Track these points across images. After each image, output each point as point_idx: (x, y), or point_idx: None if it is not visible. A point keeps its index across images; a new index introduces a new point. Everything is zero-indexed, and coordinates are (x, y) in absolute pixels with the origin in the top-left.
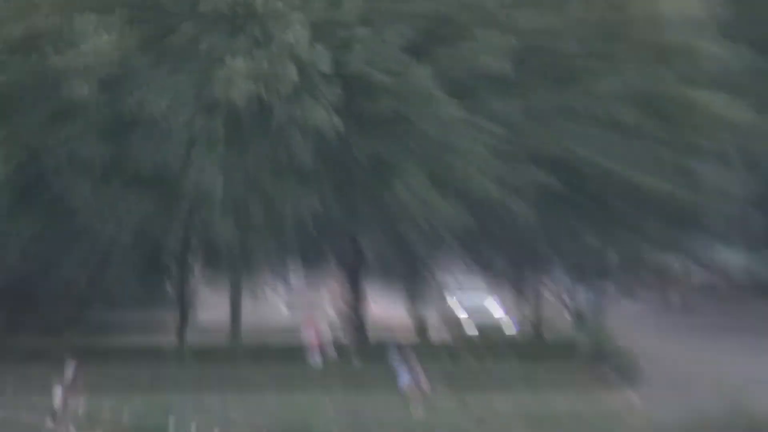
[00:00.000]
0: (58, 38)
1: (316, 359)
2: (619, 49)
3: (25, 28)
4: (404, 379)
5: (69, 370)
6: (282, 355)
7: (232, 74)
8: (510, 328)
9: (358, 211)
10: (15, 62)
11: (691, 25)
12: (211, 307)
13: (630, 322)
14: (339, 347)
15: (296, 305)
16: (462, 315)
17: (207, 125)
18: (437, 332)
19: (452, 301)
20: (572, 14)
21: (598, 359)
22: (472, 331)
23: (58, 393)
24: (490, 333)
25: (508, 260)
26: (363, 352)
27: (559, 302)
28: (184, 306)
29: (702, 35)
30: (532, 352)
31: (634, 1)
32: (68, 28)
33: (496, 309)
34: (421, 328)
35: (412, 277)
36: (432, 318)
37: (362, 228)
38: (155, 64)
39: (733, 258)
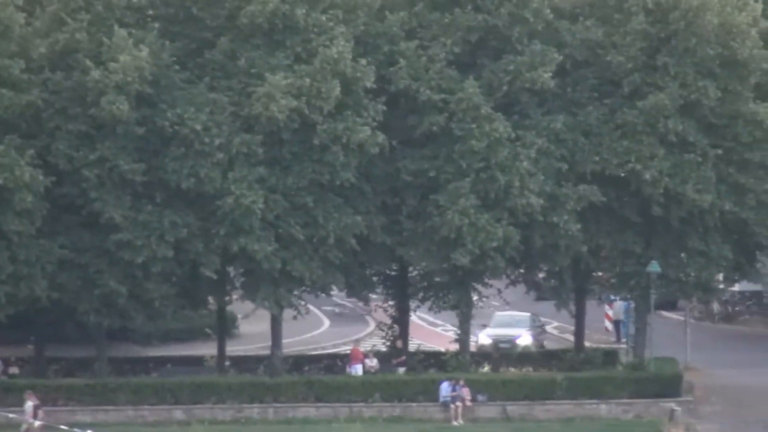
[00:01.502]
0: (95, 53)
1: (357, 370)
2: (670, 62)
3: (64, 44)
4: (446, 390)
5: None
6: (323, 367)
7: (272, 90)
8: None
9: (404, 230)
10: (54, 78)
11: (740, 36)
12: (252, 320)
13: (673, 332)
14: (381, 359)
15: (339, 320)
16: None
17: (246, 142)
18: (480, 347)
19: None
20: (621, 27)
21: (639, 370)
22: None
23: None
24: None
25: (553, 274)
26: (404, 364)
27: (603, 315)
28: (225, 318)
29: (749, 46)
30: (574, 363)
31: (681, 12)
32: (105, 43)
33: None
34: (465, 344)
35: (458, 294)
36: (476, 335)
37: (407, 247)
38: (193, 80)
39: None
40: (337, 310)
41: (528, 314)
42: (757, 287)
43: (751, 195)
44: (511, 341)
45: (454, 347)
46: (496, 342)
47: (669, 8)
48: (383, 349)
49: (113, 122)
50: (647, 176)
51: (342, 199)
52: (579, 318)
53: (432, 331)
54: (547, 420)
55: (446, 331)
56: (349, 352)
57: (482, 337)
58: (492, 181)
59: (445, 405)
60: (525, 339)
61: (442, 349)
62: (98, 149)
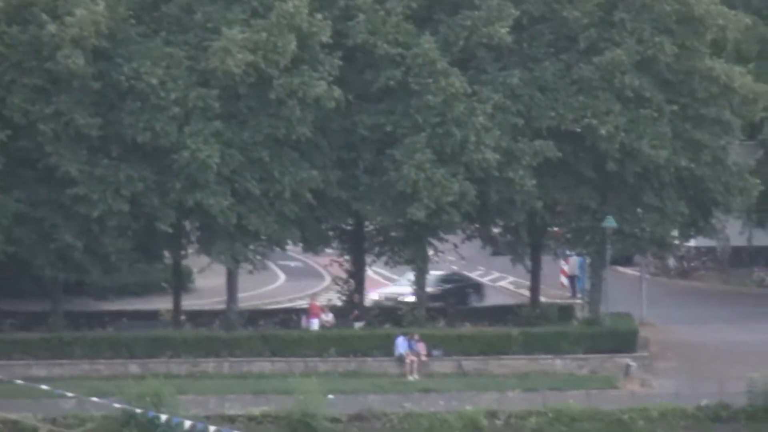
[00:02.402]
0: (51, 7)
1: (313, 324)
2: (626, 17)
3: None
4: (402, 345)
5: None
6: (278, 321)
7: (228, 44)
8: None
9: (360, 185)
10: (10, 31)
11: None
12: (208, 274)
13: (629, 287)
14: (337, 314)
15: (295, 275)
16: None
17: (202, 97)
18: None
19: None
20: None
21: (594, 325)
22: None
23: None
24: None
25: (508, 230)
26: (360, 319)
27: (559, 270)
28: (180, 273)
29: (705, 2)
30: (530, 318)
31: None
32: None
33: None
34: (421, 298)
35: (414, 249)
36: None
37: (363, 202)
38: (149, 34)
39: (731, 224)
40: (292, 264)
41: (440, 273)
42: (712, 243)
43: (707, 151)
44: (395, 300)
45: (411, 302)
46: (383, 299)
47: None
48: (339, 303)
49: (69, 76)
50: (603, 131)
51: (298, 154)
52: (534, 273)
53: (388, 285)
54: (503, 375)
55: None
56: (305, 306)
57: (374, 294)
58: (448, 136)
59: (401, 359)
60: (410, 299)
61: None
62: (54, 103)
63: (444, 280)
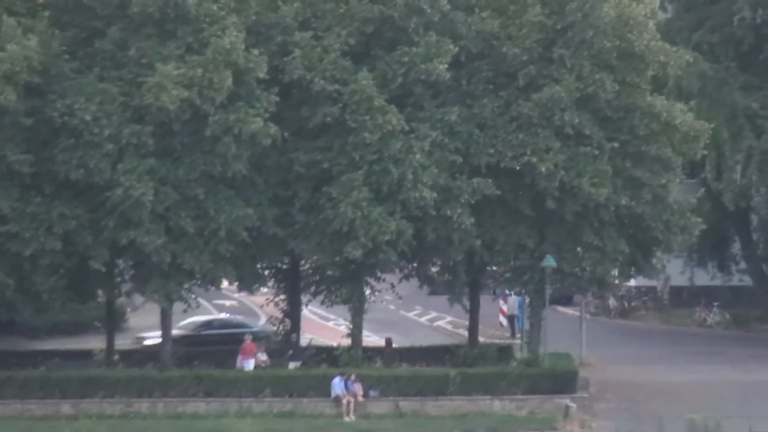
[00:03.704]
0: None
1: (248, 364)
2: (566, 54)
3: None
4: (338, 385)
5: None
6: (214, 361)
7: (163, 80)
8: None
9: (296, 223)
10: None
11: (637, 28)
12: (141, 313)
13: (568, 327)
14: (272, 354)
15: (230, 312)
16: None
17: (136, 133)
18: (374, 341)
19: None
20: (516, 18)
21: (533, 365)
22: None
23: None
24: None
25: (446, 268)
26: (296, 359)
27: (497, 310)
28: (114, 312)
29: (646, 38)
30: (468, 358)
31: (578, 4)
32: None
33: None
34: (357, 337)
35: (350, 289)
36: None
37: (300, 240)
38: (82, 70)
39: (672, 263)
40: (227, 303)
41: (205, 318)
42: (653, 283)
43: (647, 189)
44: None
45: (346, 342)
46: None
47: (565, 0)
48: (274, 343)
49: (0, 112)
50: (542, 169)
51: (233, 191)
52: (473, 313)
53: (324, 325)
54: (440, 416)
55: (338, 325)
56: (240, 346)
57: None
58: (385, 174)
59: (337, 400)
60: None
61: (334, 344)
62: None
63: (204, 324)
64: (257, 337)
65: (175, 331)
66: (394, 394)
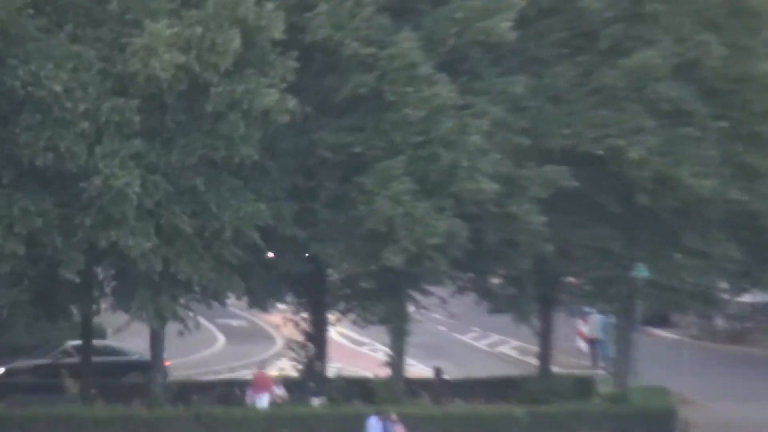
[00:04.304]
0: None
1: (261, 401)
2: (661, 9)
3: None
4: (375, 427)
5: None
6: (216, 396)
7: (152, 42)
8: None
9: (320, 221)
10: None
11: None
12: (126, 335)
13: (665, 354)
14: (291, 388)
15: (238, 337)
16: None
17: (119, 108)
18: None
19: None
20: None
21: (620, 402)
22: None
23: None
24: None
25: (511, 280)
26: (320, 393)
27: (575, 332)
28: (91, 333)
29: None
30: (538, 393)
31: None
32: None
33: None
34: (398, 367)
35: (389, 305)
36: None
37: (325, 243)
38: (51, 29)
39: None
40: (234, 323)
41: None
42: None
43: (765, 180)
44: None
45: (385, 372)
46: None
47: None
48: (294, 374)
49: None
50: (632, 155)
51: (241, 182)
52: (544, 336)
53: (356, 351)
54: None
55: (374, 351)
56: (251, 378)
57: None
58: (433, 160)
59: None
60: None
61: (370, 375)
62: None
63: (63, 352)
64: (134, 369)
65: (25, 362)
66: None
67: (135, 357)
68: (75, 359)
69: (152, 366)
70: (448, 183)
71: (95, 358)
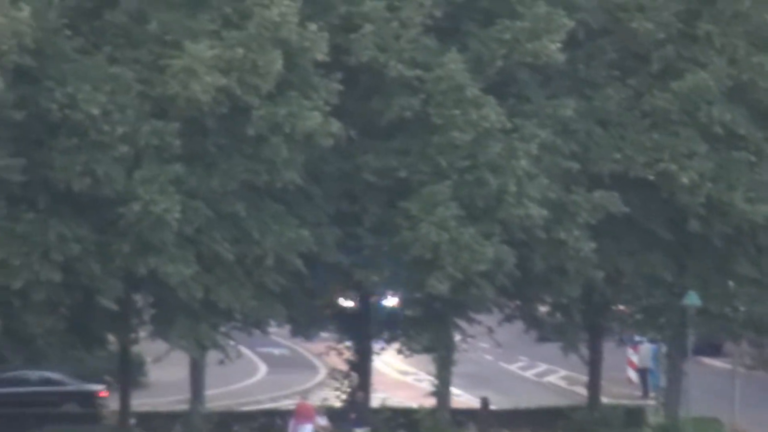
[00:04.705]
0: None
1: (304, 431)
2: (714, 31)
3: None
4: None
5: None
6: (257, 427)
7: (192, 63)
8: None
9: (364, 247)
10: None
11: None
12: (166, 365)
13: (717, 384)
14: (334, 418)
15: (280, 366)
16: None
17: (158, 132)
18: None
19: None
20: None
21: None
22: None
23: None
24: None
25: (559, 307)
26: (363, 424)
27: (625, 361)
28: (129, 362)
29: None
30: (587, 424)
31: None
32: None
33: None
34: (443, 397)
35: (435, 333)
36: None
37: (369, 270)
38: (88, 50)
39: None
40: (276, 352)
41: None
42: None
43: None
44: None
45: (430, 403)
46: None
47: None
48: (337, 404)
49: None
50: (684, 180)
51: (283, 207)
52: (594, 365)
53: (401, 380)
54: None
55: (419, 381)
56: (293, 407)
57: None
58: (480, 185)
59: None
60: None
61: (414, 405)
62: None
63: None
64: (71, 400)
65: None
66: None
67: (71, 387)
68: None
69: (192, 395)
70: (496, 208)
71: (29, 389)
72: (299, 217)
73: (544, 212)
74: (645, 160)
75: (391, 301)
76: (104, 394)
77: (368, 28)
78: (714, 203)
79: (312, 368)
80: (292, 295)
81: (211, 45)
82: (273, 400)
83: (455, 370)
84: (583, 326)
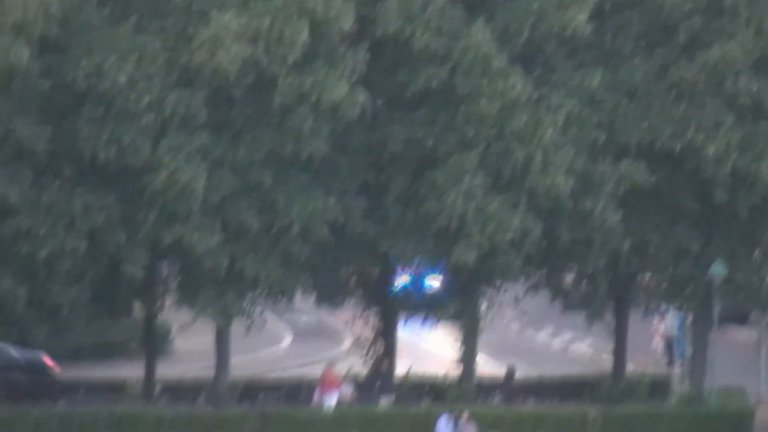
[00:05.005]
0: None
1: (330, 399)
2: (741, 1)
3: None
4: (445, 427)
5: None
6: (283, 395)
7: (219, 33)
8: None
9: (391, 217)
10: None
11: None
12: (191, 334)
13: (742, 354)
14: (360, 387)
15: (306, 334)
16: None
17: (184, 101)
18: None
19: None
20: None
21: (696, 404)
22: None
23: None
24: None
25: (585, 277)
26: (389, 393)
27: (651, 331)
28: (154, 331)
29: None
30: (612, 394)
31: None
32: None
33: None
34: (469, 366)
35: (461, 302)
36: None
37: (395, 240)
38: (115, 19)
39: None
40: (302, 318)
41: None
42: None
43: None
44: None
45: (456, 372)
46: None
47: None
48: (363, 372)
49: (9, 74)
50: (710, 151)
51: (309, 177)
52: (619, 335)
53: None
54: None
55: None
56: (318, 376)
57: None
58: (506, 155)
59: None
60: None
61: (440, 374)
62: None
63: None
64: (21, 371)
65: None
66: None
67: (22, 361)
68: None
69: (218, 364)
70: (522, 178)
71: None
72: (325, 187)
73: (570, 182)
74: (671, 131)
75: (434, 280)
76: (49, 362)
77: None
78: (740, 174)
79: (337, 336)
80: (318, 265)
81: (238, 15)
82: (299, 368)
83: (481, 339)
84: (609, 296)
